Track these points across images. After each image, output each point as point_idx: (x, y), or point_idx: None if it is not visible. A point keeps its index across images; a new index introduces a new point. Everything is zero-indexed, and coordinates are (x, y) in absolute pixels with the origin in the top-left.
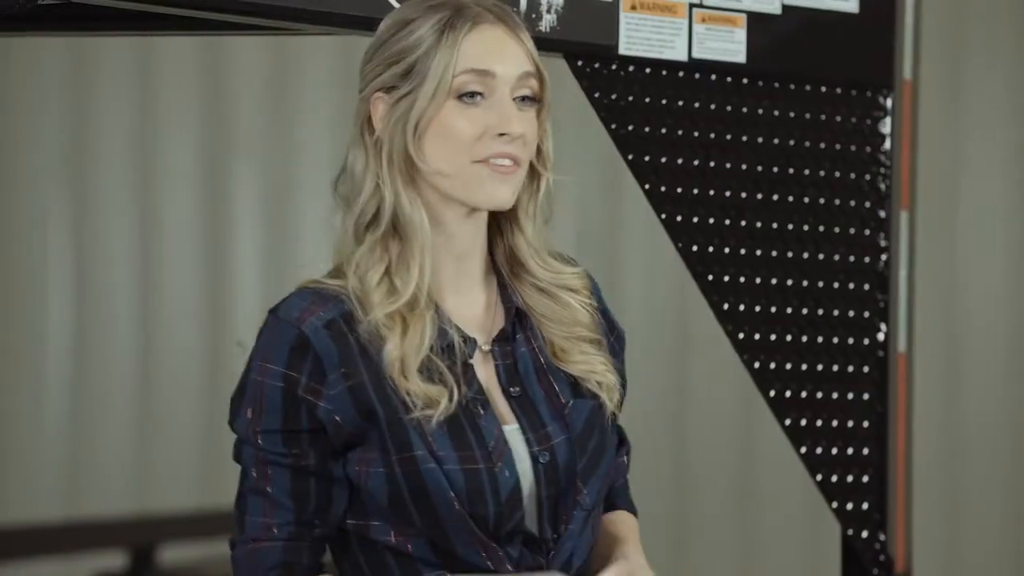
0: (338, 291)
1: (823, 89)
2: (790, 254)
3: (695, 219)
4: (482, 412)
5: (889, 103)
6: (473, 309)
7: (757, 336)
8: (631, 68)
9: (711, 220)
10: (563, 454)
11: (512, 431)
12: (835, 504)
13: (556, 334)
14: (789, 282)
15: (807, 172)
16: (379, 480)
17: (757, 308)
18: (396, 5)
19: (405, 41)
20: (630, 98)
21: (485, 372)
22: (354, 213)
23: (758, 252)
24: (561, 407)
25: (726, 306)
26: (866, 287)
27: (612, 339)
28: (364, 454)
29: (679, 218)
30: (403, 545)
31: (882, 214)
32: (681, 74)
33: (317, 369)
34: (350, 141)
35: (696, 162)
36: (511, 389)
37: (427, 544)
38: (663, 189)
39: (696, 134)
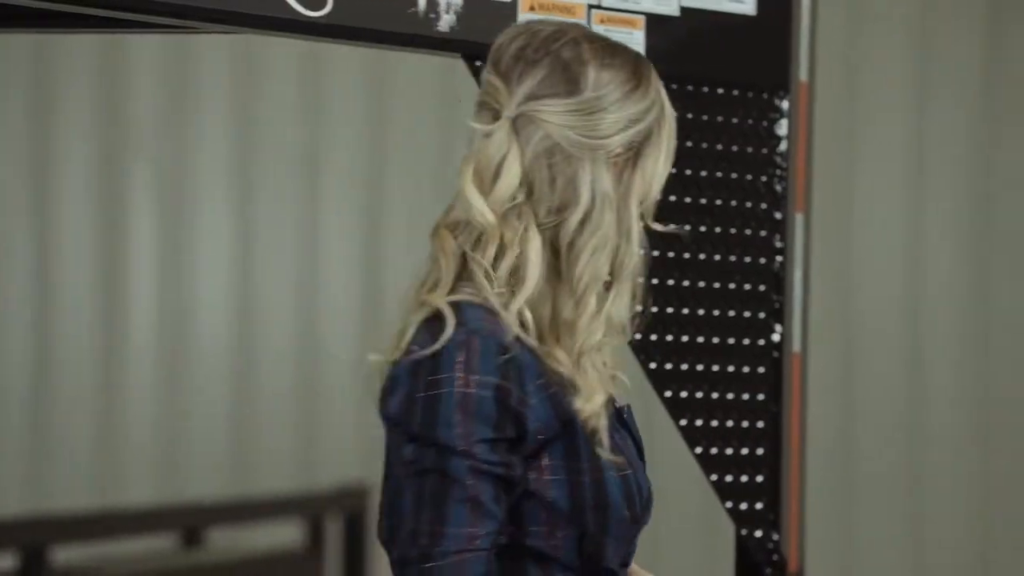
0: (490, 305)
1: (720, 91)
2: (686, 255)
3: None
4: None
5: (785, 105)
6: None
7: (653, 337)
8: None
9: None
10: (635, 454)
11: None
12: (729, 504)
13: None
14: (685, 283)
15: (704, 174)
16: (561, 488)
17: (653, 309)
18: (293, 5)
19: (644, 101)
20: None
21: None
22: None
23: (655, 253)
24: (620, 412)
25: None
26: (761, 288)
27: None
28: (542, 462)
29: None
30: (553, 549)
31: (778, 216)
32: None
33: (520, 379)
34: (586, 190)
35: None
36: None
37: (575, 547)
38: None
39: None
